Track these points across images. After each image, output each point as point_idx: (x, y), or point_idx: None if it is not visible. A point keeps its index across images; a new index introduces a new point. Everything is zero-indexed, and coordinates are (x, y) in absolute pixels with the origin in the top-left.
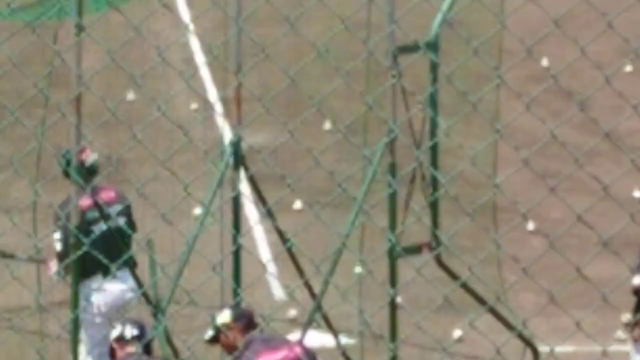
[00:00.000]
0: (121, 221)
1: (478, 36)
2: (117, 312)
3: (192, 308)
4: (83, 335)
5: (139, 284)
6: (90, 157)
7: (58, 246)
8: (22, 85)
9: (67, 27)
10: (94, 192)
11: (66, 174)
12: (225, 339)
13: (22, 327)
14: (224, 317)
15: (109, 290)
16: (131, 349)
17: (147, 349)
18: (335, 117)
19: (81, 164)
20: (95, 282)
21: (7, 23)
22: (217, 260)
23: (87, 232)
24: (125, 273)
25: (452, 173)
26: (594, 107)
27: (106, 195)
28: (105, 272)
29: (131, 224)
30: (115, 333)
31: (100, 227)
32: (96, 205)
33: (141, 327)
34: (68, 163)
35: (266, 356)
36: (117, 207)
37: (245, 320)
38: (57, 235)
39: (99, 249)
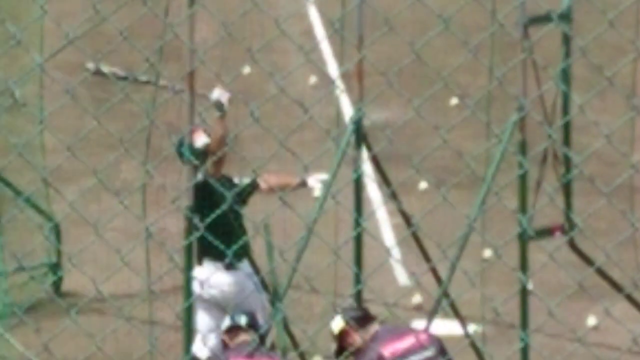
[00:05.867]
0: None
1: (614, 6)
2: (232, 301)
3: (312, 295)
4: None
5: (256, 270)
6: (200, 139)
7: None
8: (131, 60)
9: None
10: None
11: (180, 155)
12: (348, 344)
13: (132, 315)
14: (337, 324)
15: (227, 279)
16: (245, 337)
17: (260, 339)
18: (461, 92)
19: (190, 144)
20: (215, 267)
21: None
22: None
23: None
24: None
25: (587, 152)
26: None
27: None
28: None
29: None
30: (226, 324)
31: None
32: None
33: (252, 316)
34: (181, 144)
35: (393, 345)
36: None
37: (358, 319)
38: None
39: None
